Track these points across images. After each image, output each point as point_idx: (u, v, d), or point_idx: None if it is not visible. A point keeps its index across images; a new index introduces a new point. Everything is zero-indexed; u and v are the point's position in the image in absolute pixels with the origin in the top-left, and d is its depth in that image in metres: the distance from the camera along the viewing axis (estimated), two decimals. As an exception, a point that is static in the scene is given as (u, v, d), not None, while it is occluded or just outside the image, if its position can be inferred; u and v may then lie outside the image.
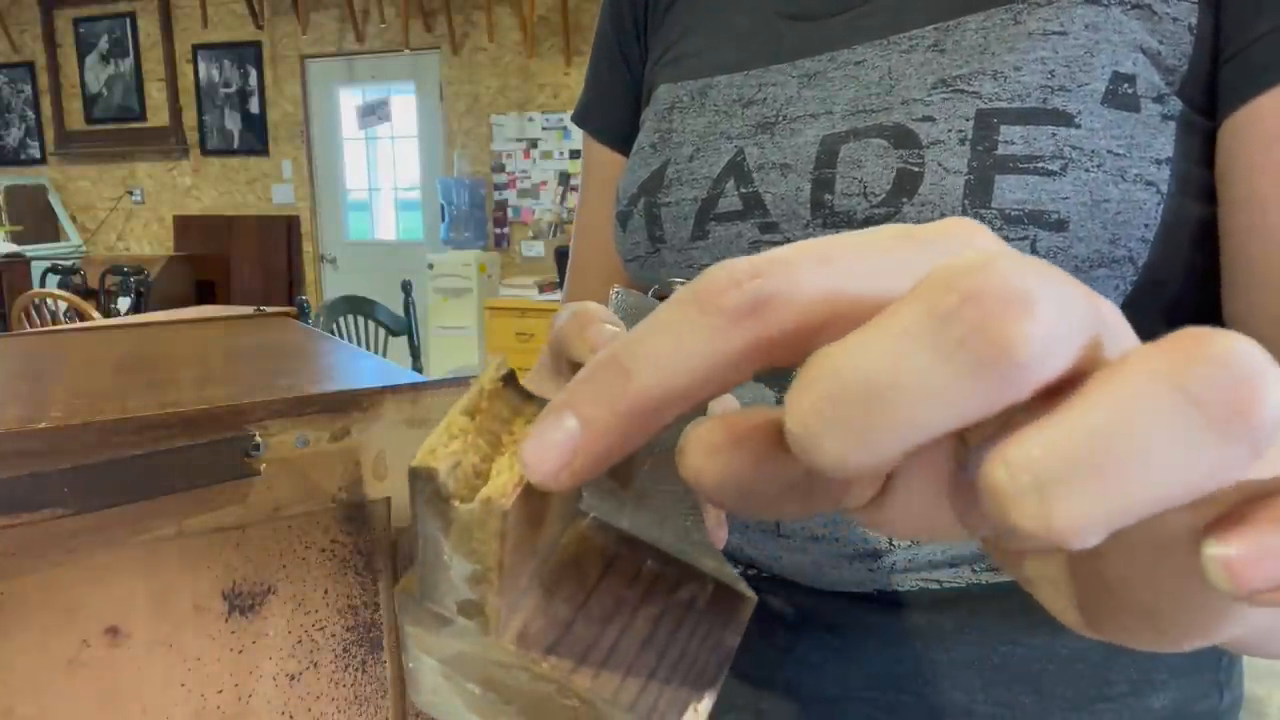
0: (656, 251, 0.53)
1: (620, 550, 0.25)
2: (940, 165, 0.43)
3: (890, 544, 0.46)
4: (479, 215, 5.31)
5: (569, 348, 0.26)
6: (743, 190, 0.50)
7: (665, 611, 0.24)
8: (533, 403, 0.22)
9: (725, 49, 0.56)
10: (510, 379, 0.23)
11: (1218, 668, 0.49)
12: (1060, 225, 0.41)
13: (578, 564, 0.24)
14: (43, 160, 6.51)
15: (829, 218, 0.46)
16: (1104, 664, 0.47)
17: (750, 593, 0.24)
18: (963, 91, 0.44)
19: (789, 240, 0.48)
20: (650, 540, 0.25)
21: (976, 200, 0.41)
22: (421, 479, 0.20)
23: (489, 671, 0.24)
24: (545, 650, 0.22)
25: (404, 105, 5.69)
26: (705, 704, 0.22)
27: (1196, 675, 0.48)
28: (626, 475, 0.26)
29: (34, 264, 5.63)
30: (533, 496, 0.21)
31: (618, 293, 0.35)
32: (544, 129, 5.27)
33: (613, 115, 0.64)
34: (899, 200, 0.43)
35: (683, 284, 0.45)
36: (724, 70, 0.54)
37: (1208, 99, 0.43)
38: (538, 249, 5.32)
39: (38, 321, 3.84)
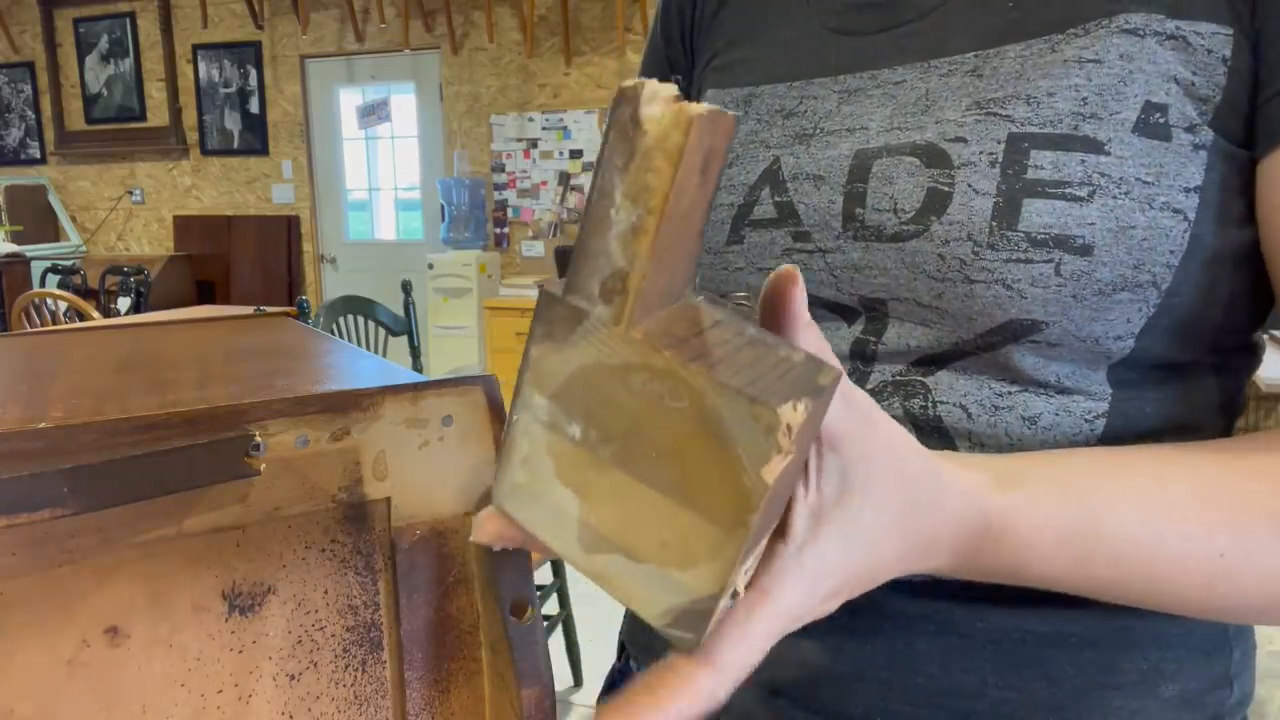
0: None
1: (728, 317, 0.27)
2: (970, 186, 0.44)
3: None
4: (479, 215, 5.31)
5: None
6: (777, 199, 0.51)
7: (764, 356, 0.25)
8: None
9: (772, 59, 0.57)
10: None
11: (1229, 660, 0.50)
12: (1085, 250, 0.42)
13: (693, 315, 0.27)
14: (43, 160, 6.51)
15: (859, 231, 0.47)
16: (1113, 652, 0.47)
17: (837, 364, 0.26)
18: (996, 114, 0.44)
19: (821, 250, 0.49)
20: None
21: (1004, 223, 0.42)
22: (625, 100, 0.24)
23: (601, 390, 0.25)
24: (665, 347, 0.24)
25: (404, 105, 5.69)
26: (804, 405, 0.23)
27: (1207, 667, 0.49)
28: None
29: (34, 264, 5.62)
30: (682, 200, 0.24)
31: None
32: (544, 129, 5.27)
33: None
34: (928, 218, 0.44)
35: (746, 297, 0.48)
36: (769, 80, 0.56)
37: (1244, 131, 0.43)
38: (538, 249, 5.32)
39: (38, 321, 3.84)
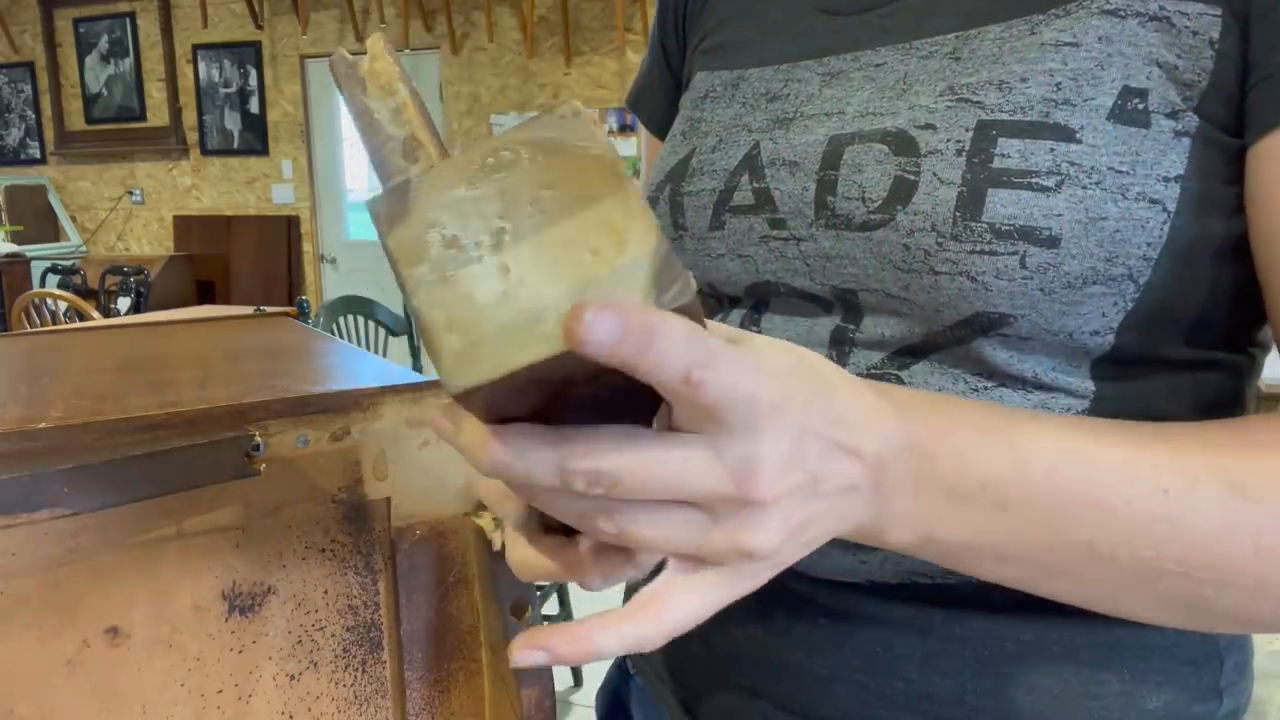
0: (679, 238, 0.54)
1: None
2: (935, 175, 0.43)
3: None
4: (479, 215, 5.30)
5: None
6: (755, 185, 0.50)
7: None
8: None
9: (761, 41, 0.56)
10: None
11: (1219, 672, 0.49)
12: (1052, 242, 0.40)
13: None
14: (43, 160, 6.51)
15: (830, 219, 0.46)
16: (1096, 662, 0.46)
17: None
18: (967, 100, 0.43)
19: (796, 238, 0.48)
20: None
21: (967, 213, 0.41)
22: (341, 63, 0.30)
23: (463, 205, 0.28)
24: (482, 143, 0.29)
25: (404, 105, 5.69)
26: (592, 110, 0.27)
27: (1195, 678, 0.48)
28: None
29: (34, 264, 5.63)
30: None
31: None
32: (544, 129, 5.27)
33: (654, 103, 0.67)
34: (894, 208, 0.44)
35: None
36: (757, 63, 0.55)
37: (1234, 117, 0.41)
38: (538, 249, 5.32)
39: (38, 321, 3.84)
